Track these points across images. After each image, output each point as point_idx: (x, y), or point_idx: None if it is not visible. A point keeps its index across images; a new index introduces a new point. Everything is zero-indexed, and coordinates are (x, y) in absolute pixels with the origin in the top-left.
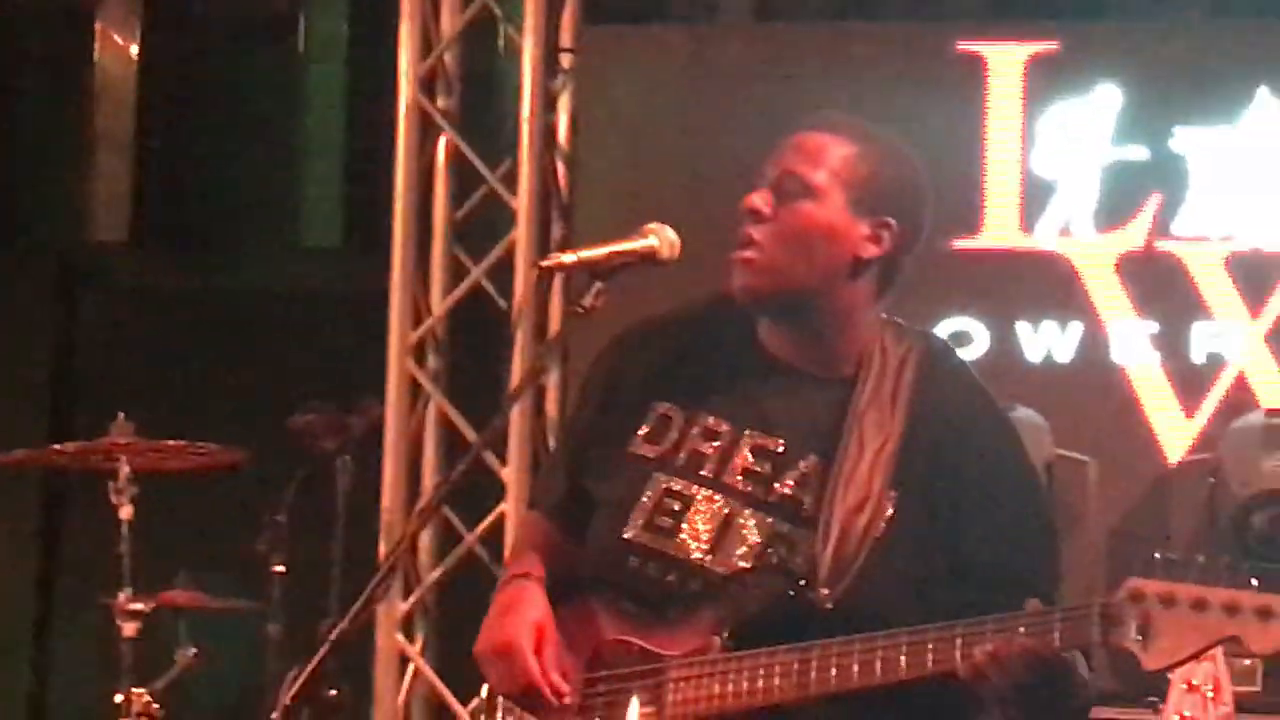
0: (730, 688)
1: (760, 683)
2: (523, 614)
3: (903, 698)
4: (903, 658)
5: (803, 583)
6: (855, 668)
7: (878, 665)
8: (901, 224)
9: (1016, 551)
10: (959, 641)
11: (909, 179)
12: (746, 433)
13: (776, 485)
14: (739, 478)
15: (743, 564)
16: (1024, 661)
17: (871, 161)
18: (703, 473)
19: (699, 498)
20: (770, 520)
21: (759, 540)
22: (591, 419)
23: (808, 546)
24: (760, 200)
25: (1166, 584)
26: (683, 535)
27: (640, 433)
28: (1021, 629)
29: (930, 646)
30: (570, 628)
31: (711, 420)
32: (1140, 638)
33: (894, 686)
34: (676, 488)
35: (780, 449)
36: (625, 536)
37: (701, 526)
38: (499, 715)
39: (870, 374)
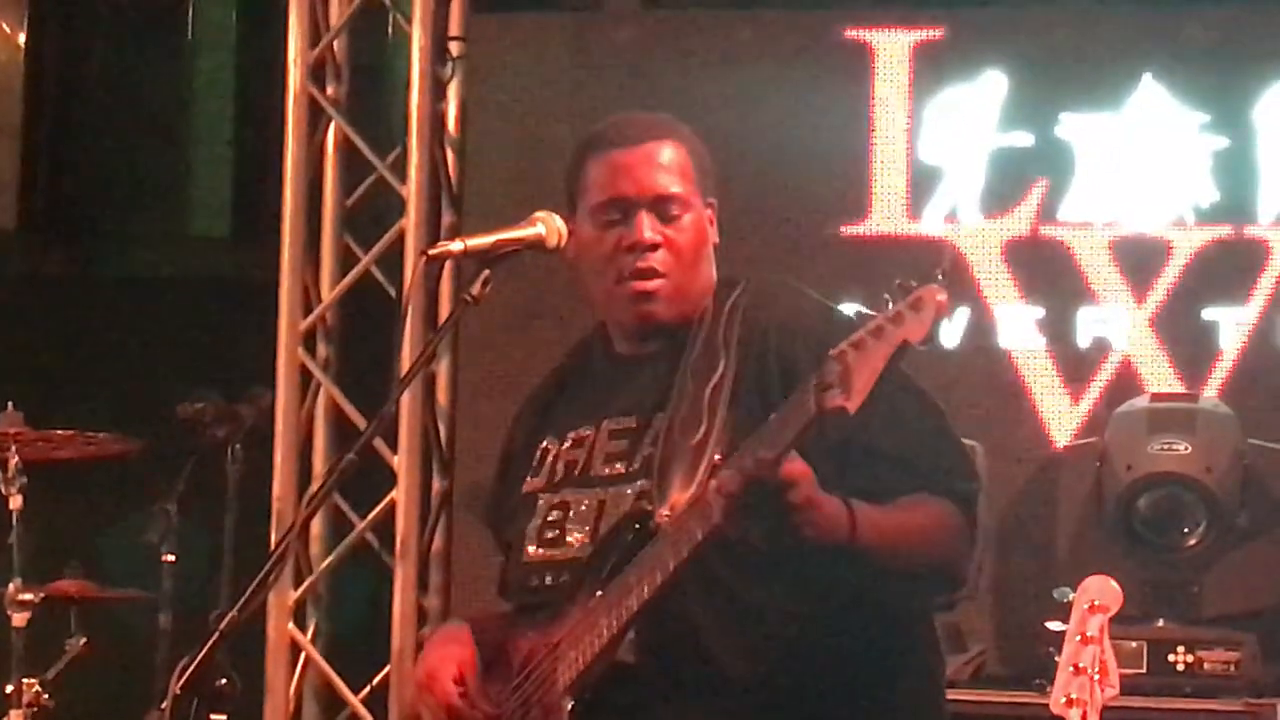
0: (597, 629)
1: (614, 612)
2: (446, 649)
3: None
4: (692, 521)
5: (645, 517)
6: (667, 553)
7: (681, 540)
8: (717, 197)
9: (883, 429)
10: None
11: (706, 150)
12: (604, 422)
13: (637, 454)
14: (604, 465)
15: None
16: (745, 479)
17: (696, 152)
18: (574, 475)
19: (575, 499)
20: (638, 484)
21: (629, 506)
22: (496, 489)
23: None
24: (651, 232)
25: (858, 334)
26: (569, 537)
27: (529, 476)
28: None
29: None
30: (497, 668)
31: (575, 432)
32: (842, 389)
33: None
34: (557, 500)
35: (634, 423)
36: (524, 560)
37: (582, 522)
38: None
39: (702, 327)
